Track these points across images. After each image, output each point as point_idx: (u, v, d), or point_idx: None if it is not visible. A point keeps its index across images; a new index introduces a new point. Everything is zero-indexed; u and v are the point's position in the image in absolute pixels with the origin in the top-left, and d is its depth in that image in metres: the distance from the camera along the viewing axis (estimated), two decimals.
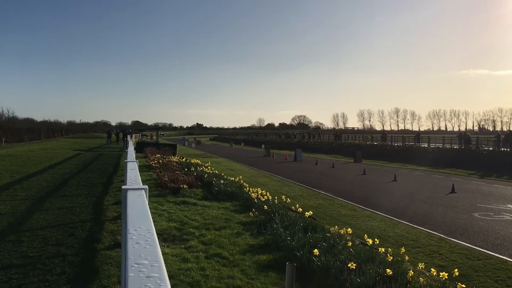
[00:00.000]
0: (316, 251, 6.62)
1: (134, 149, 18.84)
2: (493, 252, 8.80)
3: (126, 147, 21.92)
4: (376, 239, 7.70)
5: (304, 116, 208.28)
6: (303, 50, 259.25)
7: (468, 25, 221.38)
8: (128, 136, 39.23)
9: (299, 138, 76.63)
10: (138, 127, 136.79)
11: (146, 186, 2.88)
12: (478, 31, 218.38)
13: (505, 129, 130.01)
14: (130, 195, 2.58)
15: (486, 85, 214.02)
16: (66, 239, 7.80)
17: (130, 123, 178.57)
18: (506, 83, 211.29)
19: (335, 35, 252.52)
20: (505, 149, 33.13)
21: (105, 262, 6.52)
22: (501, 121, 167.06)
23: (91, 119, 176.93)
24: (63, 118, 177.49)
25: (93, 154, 32.94)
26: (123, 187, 2.94)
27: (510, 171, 26.89)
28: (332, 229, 8.49)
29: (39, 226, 8.73)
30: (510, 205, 14.61)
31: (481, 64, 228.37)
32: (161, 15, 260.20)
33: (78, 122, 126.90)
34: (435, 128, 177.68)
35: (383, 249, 7.03)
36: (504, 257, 8.42)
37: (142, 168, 18.82)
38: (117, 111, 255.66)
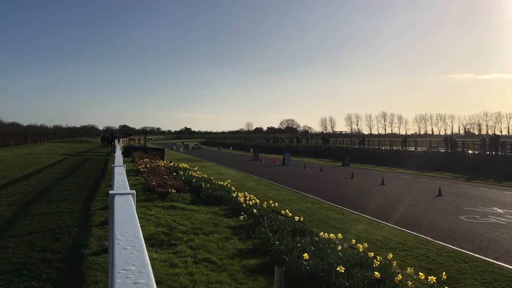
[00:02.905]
0: (305, 255, 6.62)
1: (122, 153, 18.70)
2: (479, 254, 8.89)
3: (114, 152, 21.73)
4: (364, 243, 7.74)
5: (292, 120, 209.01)
6: (291, 54, 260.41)
7: (454, 30, 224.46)
8: (116, 140, 38.90)
9: (287, 142, 76.79)
10: (125, 131, 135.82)
11: (134, 191, 2.86)
12: (463, 36, 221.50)
13: (490, 132, 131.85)
14: (118, 200, 2.55)
15: (471, 89, 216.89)
16: (52, 244, 7.70)
17: (117, 127, 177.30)
18: (491, 87, 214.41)
19: (323, 40, 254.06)
20: (491, 153, 33.57)
21: (92, 268, 6.44)
22: (487, 125, 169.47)
23: (78, 123, 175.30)
24: (49, 123, 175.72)
25: (80, 158, 32.63)
26: (111, 192, 2.91)
27: (495, 174, 27.24)
28: (321, 233, 8.50)
29: (25, 232, 8.61)
30: (496, 208, 14.79)
31: (466, 69, 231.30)
32: (149, 20, 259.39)
33: (65, 126, 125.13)
34: (422, 132, 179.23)
35: (372, 254, 7.07)
36: (490, 260, 8.51)
37: (129, 173, 18.69)
38: (105, 115, 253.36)
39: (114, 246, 1.47)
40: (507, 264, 8.27)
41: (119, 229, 1.70)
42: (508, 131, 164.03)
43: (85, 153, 40.26)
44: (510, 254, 9.01)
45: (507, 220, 12.66)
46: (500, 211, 14.25)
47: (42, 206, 11.67)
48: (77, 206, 11.83)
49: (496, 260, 8.49)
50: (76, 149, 47.36)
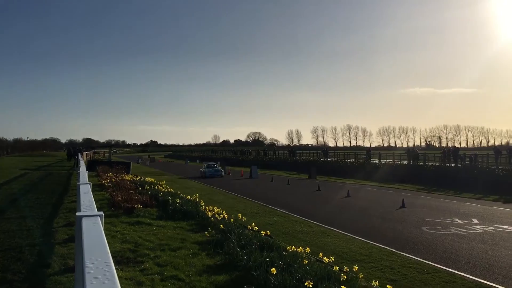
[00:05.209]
0: (273, 270, 6.65)
1: (86, 169, 18.27)
2: (441, 265, 9.16)
3: (77, 166, 21.22)
4: (331, 256, 7.85)
5: (259, 133, 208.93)
6: (257, 67, 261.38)
7: (414, 47, 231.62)
8: (79, 154, 37.98)
9: (254, 154, 77.01)
10: (89, 144, 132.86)
11: (102, 213, 2.83)
12: (424, 52, 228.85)
13: (450, 145, 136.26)
14: (85, 223, 2.52)
15: (432, 103, 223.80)
16: (12, 264, 7.43)
17: (81, 140, 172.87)
18: (450, 101, 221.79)
19: (288, 55, 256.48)
20: (451, 165, 34.68)
21: None
22: (446, 137, 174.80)
23: (39, 137, 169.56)
24: (9, 135, 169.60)
25: (41, 173, 31.66)
26: (77, 213, 2.87)
27: (455, 186, 28.11)
28: (288, 247, 8.55)
29: None
30: (456, 219, 15.27)
31: (426, 83, 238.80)
32: (114, 30, 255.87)
33: (26, 139, 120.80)
34: (385, 144, 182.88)
35: (337, 268, 7.17)
36: (452, 270, 8.78)
37: (94, 188, 18.24)
38: (67, 128, 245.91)
39: (85, 275, 1.46)
40: (467, 274, 8.55)
41: (88, 256, 1.68)
42: (467, 144, 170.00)
43: (47, 167, 39.11)
44: (471, 264, 9.32)
45: (467, 230, 13.10)
46: (461, 222, 14.72)
47: (2, 223, 11.25)
48: (39, 223, 11.48)
49: (457, 270, 8.76)
50: (37, 163, 45.92)
